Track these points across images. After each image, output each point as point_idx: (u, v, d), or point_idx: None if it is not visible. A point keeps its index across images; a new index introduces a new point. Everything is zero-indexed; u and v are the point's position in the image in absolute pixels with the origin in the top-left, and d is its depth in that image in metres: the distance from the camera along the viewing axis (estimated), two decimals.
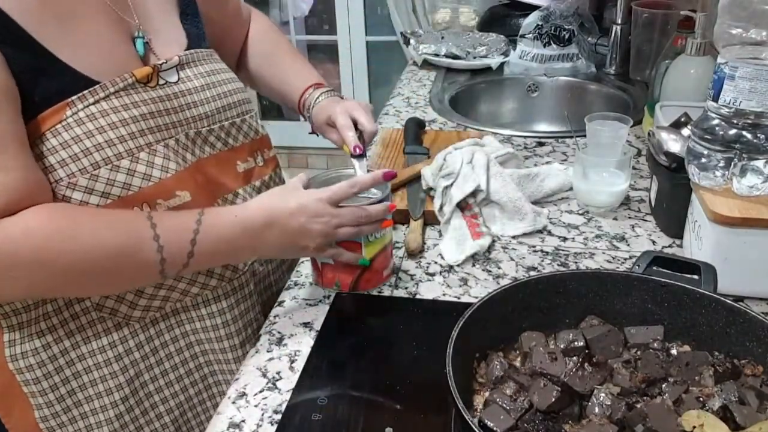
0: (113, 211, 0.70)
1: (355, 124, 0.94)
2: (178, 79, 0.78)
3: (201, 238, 0.70)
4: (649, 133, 0.99)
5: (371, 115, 0.95)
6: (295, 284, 0.91)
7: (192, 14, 0.87)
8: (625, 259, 0.94)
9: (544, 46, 1.73)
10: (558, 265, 0.94)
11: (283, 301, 0.88)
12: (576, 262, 0.94)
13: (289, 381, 0.74)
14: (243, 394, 0.72)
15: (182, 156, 0.77)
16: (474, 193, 1.01)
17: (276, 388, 0.73)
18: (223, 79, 0.85)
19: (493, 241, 0.99)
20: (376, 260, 0.86)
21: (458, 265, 0.94)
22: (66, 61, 0.68)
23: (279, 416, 0.69)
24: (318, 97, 1.01)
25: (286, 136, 3.20)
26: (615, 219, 1.05)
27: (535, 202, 1.07)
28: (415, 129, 1.31)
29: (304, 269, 0.93)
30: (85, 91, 0.69)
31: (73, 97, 0.68)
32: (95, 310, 0.74)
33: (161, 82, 0.76)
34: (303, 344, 0.80)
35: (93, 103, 0.69)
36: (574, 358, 0.64)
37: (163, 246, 0.68)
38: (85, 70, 0.70)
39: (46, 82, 0.67)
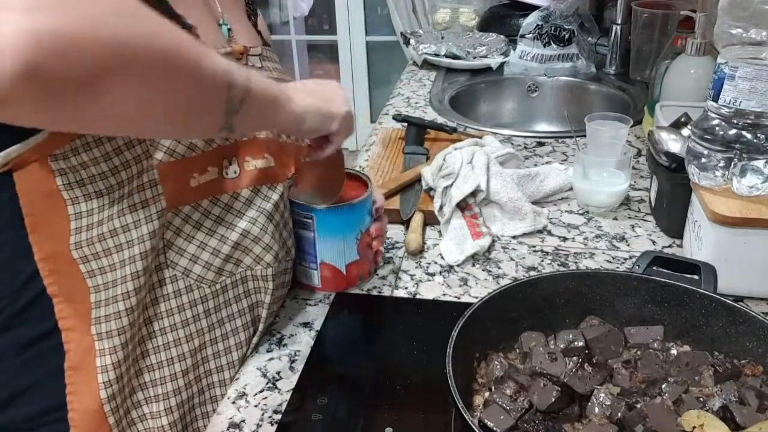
0: None
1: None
2: (261, 66, 0.82)
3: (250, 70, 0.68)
4: (649, 133, 0.99)
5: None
6: (296, 284, 0.91)
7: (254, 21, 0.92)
8: (625, 259, 0.94)
9: (544, 46, 1.73)
10: (558, 265, 0.94)
11: (283, 301, 0.88)
12: (576, 262, 0.94)
13: (289, 381, 0.74)
14: (243, 394, 0.73)
15: None
16: (474, 193, 1.01)
17: (276, 388, 0.73)
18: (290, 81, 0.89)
19: (493, 241, 0.99)
20: None
21: (458, 265, 0.94)
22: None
23: (279, 416, 0.69)
24: None
25: None
26: (615, 219, 1.05)
27: (535, 202, 1.07)
28: (415, 129, 1.31)
29: None
30: None
31: None
32: (168, 267, 0.73)
33: (249, 64, 0.79)
34: (303, 344, 0.80)
35: None
36: (574, 358, 0.64)
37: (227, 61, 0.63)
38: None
39: None
